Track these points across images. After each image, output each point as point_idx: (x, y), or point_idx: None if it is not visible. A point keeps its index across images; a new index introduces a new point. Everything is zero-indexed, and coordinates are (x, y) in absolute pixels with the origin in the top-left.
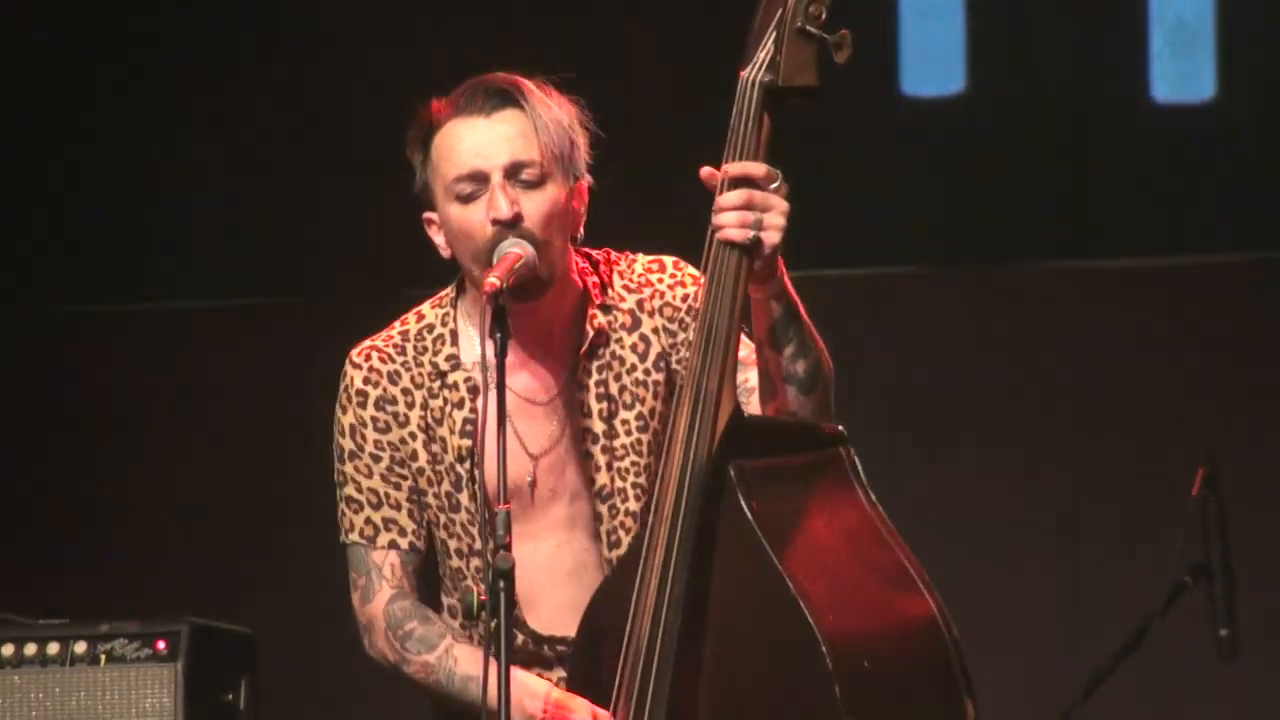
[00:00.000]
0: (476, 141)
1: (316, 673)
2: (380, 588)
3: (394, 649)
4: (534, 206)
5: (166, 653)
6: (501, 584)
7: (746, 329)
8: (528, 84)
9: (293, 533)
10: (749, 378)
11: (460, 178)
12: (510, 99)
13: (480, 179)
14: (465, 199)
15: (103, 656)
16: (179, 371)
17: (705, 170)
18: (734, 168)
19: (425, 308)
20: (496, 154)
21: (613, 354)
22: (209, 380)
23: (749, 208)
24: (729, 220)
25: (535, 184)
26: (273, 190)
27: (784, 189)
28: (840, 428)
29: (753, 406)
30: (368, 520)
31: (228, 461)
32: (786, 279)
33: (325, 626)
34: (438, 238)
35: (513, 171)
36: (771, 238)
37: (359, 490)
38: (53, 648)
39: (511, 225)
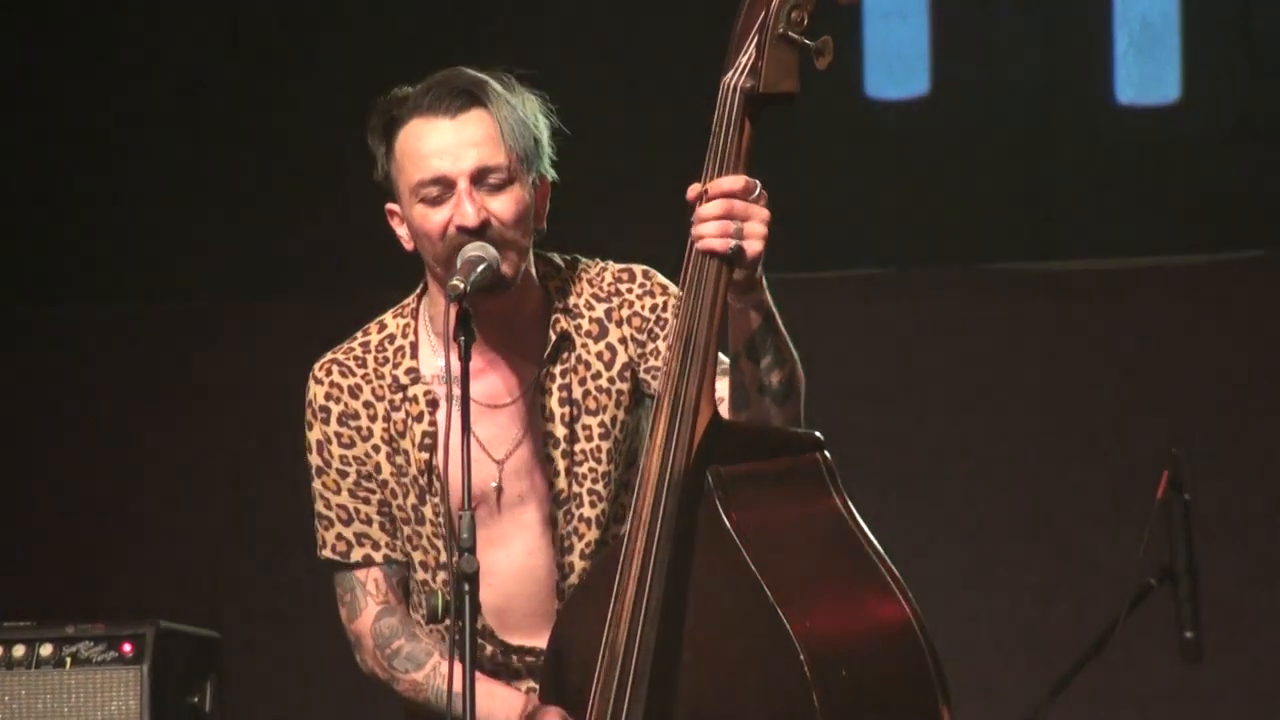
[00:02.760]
0: (442, 145)
1: (281, 675)
2: (366, 604)
3: (382, 667)
4: (501, 208)
5: (132, 655)
6: (466, 587)
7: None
8: (492, 82)
9: (259, 536)
10: (718, 388)
11: (425, 181)
12: (475, 99)
13: (446, 183)
14: (431, 201)
15: (68, 659)
16: (143, 374)
17: (692, 189)
18: (716, 184)
19: (387, 317)
20: (463, 159)
21: (577, 358)
22: (173, 383)
23: (729, 217)
24: (709, 230)
25: (501, 187)
26: (228, 193)
27: (764, 198)
28: (818, 434)
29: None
30: (339, 536)
31: (193, 465)
32: (765, 290)
33: (290, 629)
34: (400, 229)
35: (479, 177)
36: (753, 247)
37: (328, 506)
38: (18, 650)
39: (479, 232)
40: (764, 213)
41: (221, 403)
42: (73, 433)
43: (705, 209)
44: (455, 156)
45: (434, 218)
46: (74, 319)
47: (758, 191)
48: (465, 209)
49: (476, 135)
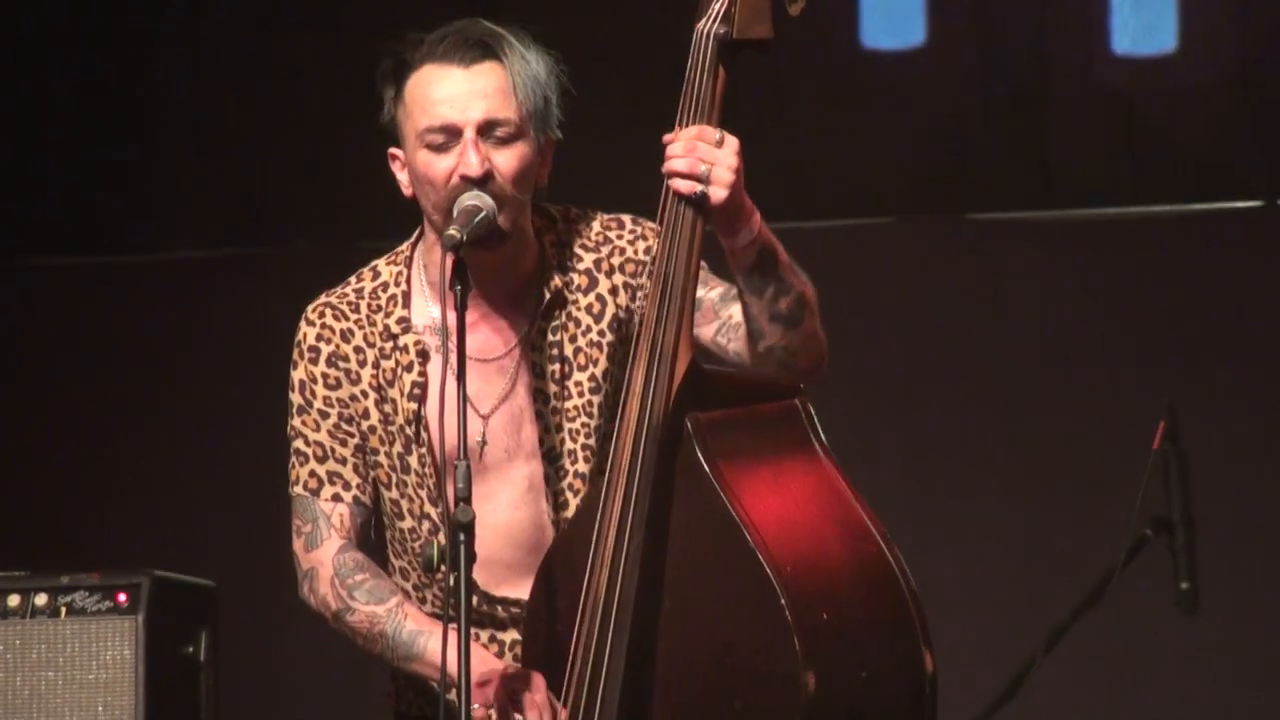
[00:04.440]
0: (453, 93)
1: (277, 625)
2: (329, 535)
3: (338, 597)
4: (505, 163)
5: (127, 605)
6: (462, 537)
7: (725, 276)
8: (508, 36)
9: (254, 485)
10: (734, 313)
11: (433, 128)
12: (490, 51)
13: (453, 132)
14: (436, 148)
15: (63, 609)
16: (138, 323)
17: (667, 137)
18: (679, 134)
19: (381, 264)
20: (472, 109)
21: (569, 315)
22: (169, 332)
23: (695, 162)
24: (677, 168)
25: (507, 141)
26: (227, 143)
27: (731, 143)
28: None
29: (739, 343)
30: (312, 473)
31: (189, 414)
32: (760, 227)
33: (287, 579)
34: (401, 174)
35: (486, 129)
36: (717, 194)
37: (306, 444)
38: (13, 600)
39: (481, 183)
40: (730, 160)
41: (222, 352)
42: (69, 382)
43: (672, 149)
44: (464, 106)
45: (437, 165)
46: (65, 270)
47: (718, 137)
48: (470, 158)
49: (488, 87)
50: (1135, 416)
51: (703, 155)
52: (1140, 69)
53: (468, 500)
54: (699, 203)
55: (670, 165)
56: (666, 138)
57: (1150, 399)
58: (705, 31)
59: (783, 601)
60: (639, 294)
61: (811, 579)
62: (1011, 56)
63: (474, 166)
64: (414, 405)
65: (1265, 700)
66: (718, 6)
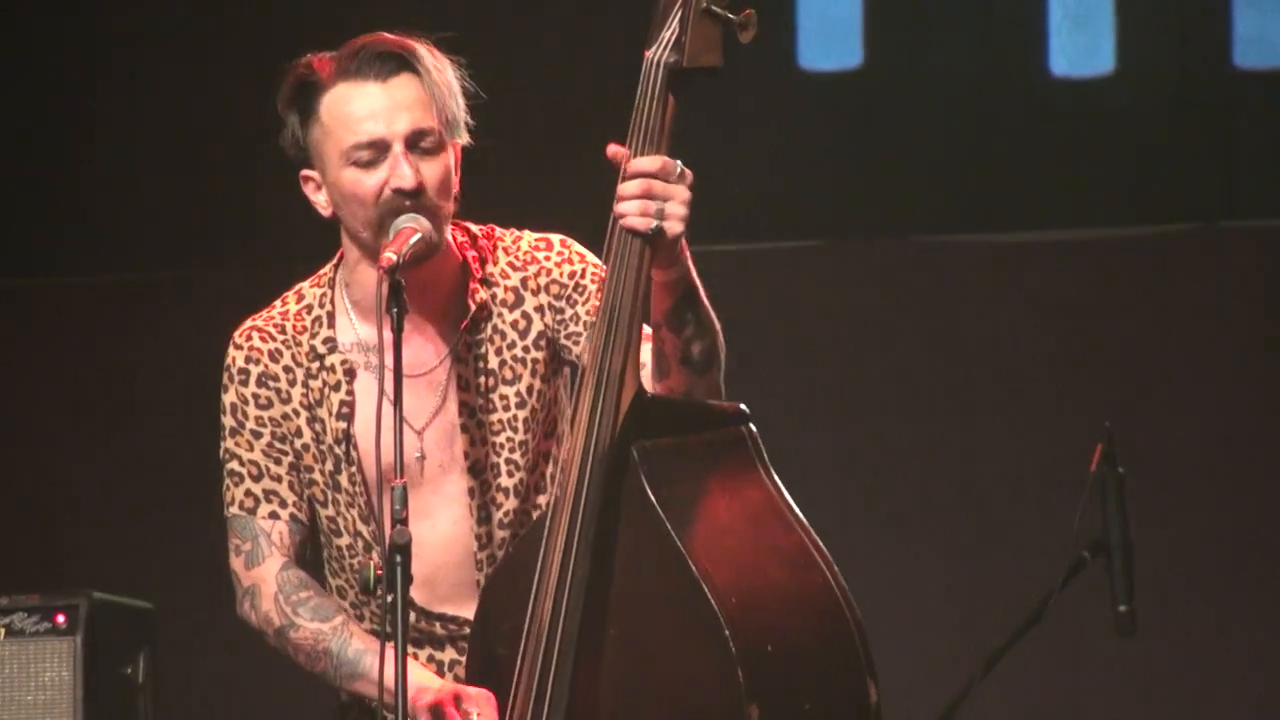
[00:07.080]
0: (375, 108)
1: (216, 647)
2: (270, 553)
3: (282, 613)
4: (432, 174)
5: (66, 626)
6: (398, 558)
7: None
8: (419, 46)
9: (193, 506)
10: (641, 355)
11: (360, 145)
12: (405, 63)
13: (381, 147)
14: (363, 165)
15: (2, 630)
16: (75, 345)
17: (611, 148)
18: (635, 164)
19: (305, 286)
20: (398, 121)
21: (494, 328)
22: (105, 354)
23: (650, 197)
24: (630, 209)
25: (432, 151)
26: (162, 165)
27: (687, 177)
28: (743, 406)
29: (644, 382)
30: (248, 492)
31: (128, 436)
32: (689, 262)
33: (225, 601)
34: (317, 195)
35: (413, 140)
36: (673, 228)
37: (241, 464)
38: None
39: (415, 195)
40: (684, 194)
41: (160, 373)
42: (5, 404)
43: (625, 188)
44: (390, 119)
45: (366, 181)
46: (5, 293)
47: (679, 171)
48: (403, 171)
49: (409, 98)
50: (1073, 439)
51: (657, 191)
52: (1078, 91)
53: (404, 522)
54: (654, 237)
55: (624, 191)
56: (611, 149)
57: (1088, 421)
58: (655, 60)
59: (727, 633)
60: (562, 316)
61: (756, 610)
62: (949, 78)
63: (408, 178)
64: (343, 424)
65: None
66: (668, 35)
